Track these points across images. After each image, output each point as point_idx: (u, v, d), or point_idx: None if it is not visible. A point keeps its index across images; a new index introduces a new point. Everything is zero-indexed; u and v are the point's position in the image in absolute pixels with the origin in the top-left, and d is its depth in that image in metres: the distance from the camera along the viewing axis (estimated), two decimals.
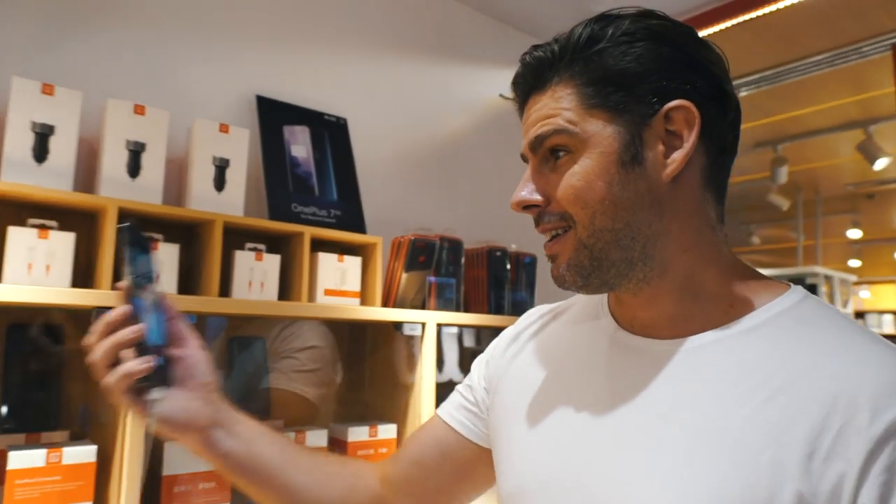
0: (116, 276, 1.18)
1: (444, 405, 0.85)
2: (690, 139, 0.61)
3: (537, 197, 0.65)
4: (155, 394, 0.68)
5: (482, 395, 0.81)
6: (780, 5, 2.07)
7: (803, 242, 5.99)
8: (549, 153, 0.65)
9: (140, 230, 0.72)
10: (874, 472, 0.49)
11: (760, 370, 0.57)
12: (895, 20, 2.29)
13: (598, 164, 0.62)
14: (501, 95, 0.76)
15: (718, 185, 0.66)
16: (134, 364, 0.67)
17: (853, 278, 5.90)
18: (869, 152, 3.62)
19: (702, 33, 2.20)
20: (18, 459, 0.99)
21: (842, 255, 8.32)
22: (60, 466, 1.02)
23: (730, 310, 0.62)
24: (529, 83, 0.67)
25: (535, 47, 0.67)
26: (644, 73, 0.61)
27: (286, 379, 1.49)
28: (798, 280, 5.38)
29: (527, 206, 0.66)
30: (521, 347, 0.79)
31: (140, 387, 0.68)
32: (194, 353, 0.74)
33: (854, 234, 6.51)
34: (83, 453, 1.04)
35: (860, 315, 9.79)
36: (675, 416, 0.58)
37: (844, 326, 0.59)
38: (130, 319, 0.69)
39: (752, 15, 2.12)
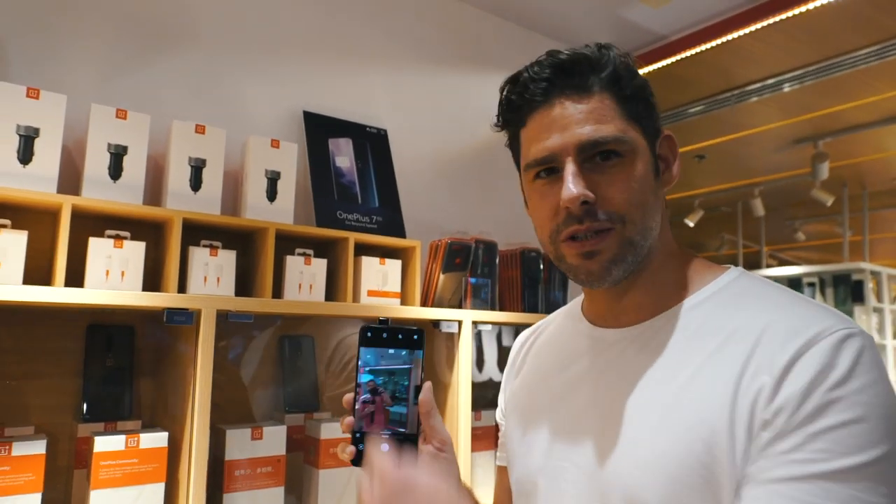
0: (182, 281, 1.31)
1: (496, 455, 0.95)
2: (677, 161, 0.74)
3: (591, 194, 0.67)
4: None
5: (504, 425, 0.91)
6: (811, 6, 2.08)
7: (850, 238, 5.85)
8: (597, 155, 0.68)
9: (389, 327, 0.70)
10: (785, 383, 0.58)
11: (701, 337, 0.67)
12: None
13: (644, 170, 0.70)
14: (494, 126, 0.78)
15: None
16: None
17: None
18: None
19: (734, 35, 2.24)
20: (103, 444, 1.12)
21: (892, 251, 8.06)
22: (138, 450, 1.15)
23: (682, 292, 0.72)
24: (564, 82, 0.69)
25: (559, 51, 0.70)
26: (654, 105, 0.73)
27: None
28: (844, 276, 5.27)
29: (583, 203, 0.67)
30: (518, 370, 0.90)
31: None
32: (442, 455, 0.70)
33: None
34: (157, 439, 1.17)
35: None
36: (644, 388, 0.68)
37: (772, 291, 0.69)
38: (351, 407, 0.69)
39: (784, 16, 2.15)
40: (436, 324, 1.59)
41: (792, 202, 5.87)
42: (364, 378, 0.69)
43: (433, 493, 0.62)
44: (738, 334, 0.64)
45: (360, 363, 0.69)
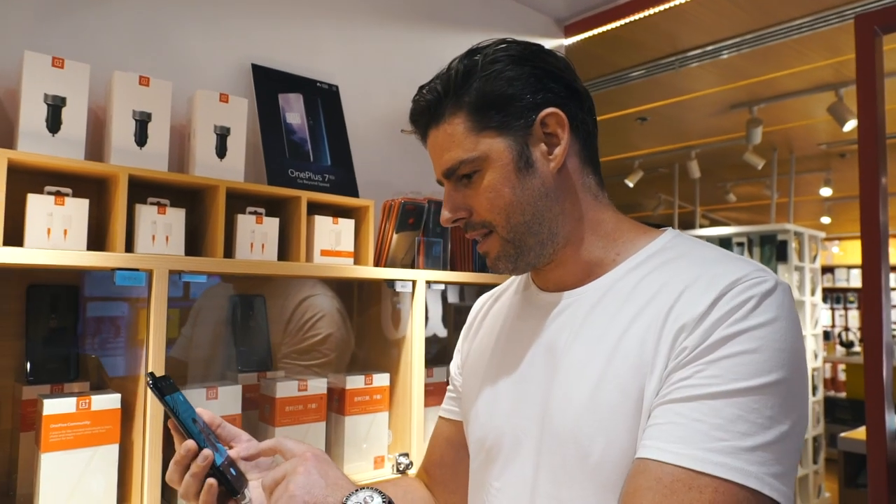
0: (129, 239, 1.27)
1: (442, 406, 1.00)
2: (564, 137, 0.77)
3: (462, 213, 0.79)
4: (242, 497, 0.78)
5: (459, 381, 0.96)
6: None
7: (777, 200, 6.15)
8: (461, 176, 0.78)
9: (162, 378, 0.78)
10: (705, 322, 0.64)
11: (636, 293, 0.73)
12: None
13: (501, 175, 0.76)
14: (403, 131, 0.89)
15: (593, 160, 0.82)
16: (215, 486, 0.75)
17: (822, 235, 6.10)
18: (839, 114, 3.74)
19: (681, 0, 2.27)
20: (52, 406, 1.09)
21: (814, 212, 8.54)
22: (90, 412, 1.13)
23: (617, 257, 0.79)
24: (425, 121, 0.80)
25: (424, 89, 0.80)
26: (515, 94, 0.76)
27: (312, 374, 1.60)
28: (770, 236, 5.56)
29: (455, 221, 0.80)
30: (476, 330, 0.96)
31: (228, 499, 0.77)
32: (249, 445, 0.83)
33: (826, 191, 6.69)
34: (109, 401, 1.15)
35: (829, 269, 10.14)
36: (586, 344, 0.73)
37: (702, 250, 0.75)
38: (196, 451, 0.75)
39: None
40: (390, 283, 1.60)
41: (725, 165, 6.10)
42: (198, 433, 0.76)
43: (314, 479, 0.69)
44: (666, 288, 0.70)
45: (180, 412, 0.77)
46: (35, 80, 1.21)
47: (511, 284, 0.96)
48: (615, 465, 0.67)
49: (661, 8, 2.34)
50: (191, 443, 0.75)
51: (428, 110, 0.80)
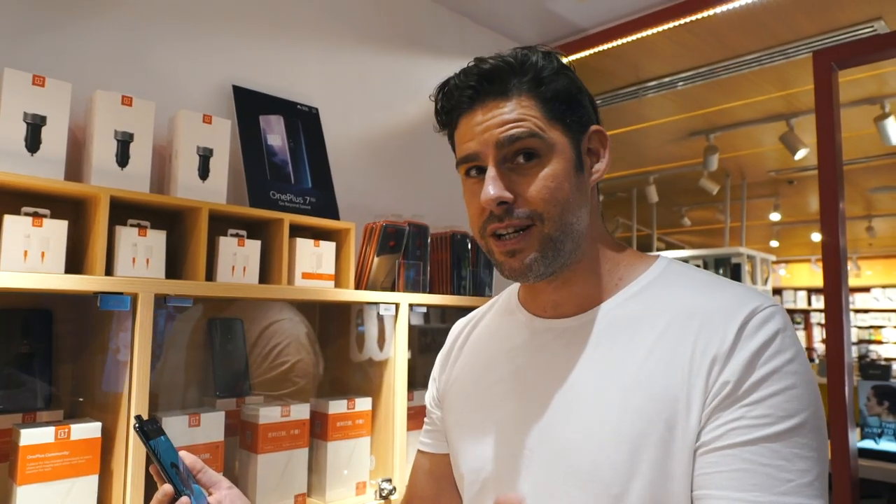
0: (109, 262, 1.23)
1: (419, 440, 0.98)
2: (606, 155, 0.78)
3: (508, 195, 0.73)
4: None
5: (437, 413, 0.94)
6: (719, 10, 2.25)
7: (730, 224, 6.38)
8: (514, 155, 0.73)
9: (150, 421, 0.79)
10: (732, 358, 0.66)
11: (646, 321, 0.73)
12: (816, 26, 2.52)
13: (563, 168, 0.74)
14: (432, 97, 0.85)
15: (598, 186, 0.83)
16: None
17: (772, 258, 6.35)
18: (790, 143, 3.93)
19: (648, 32, 2.36)
20: (29, 436, 1.05)
21: (763, 237, 8.88)
22: (69, 442, 1.08)
23: (619, 282, 0.78)
24: (487, 88, 0.75)
25: (484, 59, 0.76)
26: (581, 100, 0.78)
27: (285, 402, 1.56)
28: (724, 259, 5.76)
29: (500, 203, 0.72)
30: (455, 359, 0.93)
31: None
32: (230, 493, 0.83)
33: (775, 216, 6.98)
34: (89, 430, 1.11)
35: (777, 291, 10.52)
36: (601, 372, 0.73)
37: (700, 278, 0.76)
38: (174, 497, 0.76)
39: (695, 17, 2.30)
40: (373, 306, 1.59)
41: (681, 190, 6.31)
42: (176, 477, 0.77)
43: None
44: (680, 316, 0.70)
45: (162, 457, 0.77)
46: (15, 97, 1.18)
47: (490, 309, 0.93)
48: (638, 497, 0.66)
49: (629, 39, 2.42)
50: (168, 487, 0.75)
51: (495, 77, 0.74)
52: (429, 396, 0.97)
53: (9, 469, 1.08)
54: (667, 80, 3.15)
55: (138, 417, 0.77)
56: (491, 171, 0.73)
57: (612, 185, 6.12)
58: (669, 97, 3.57)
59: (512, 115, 0.73)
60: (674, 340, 0.69)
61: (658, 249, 7.40)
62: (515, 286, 0.91)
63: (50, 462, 1.06)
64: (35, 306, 1.28)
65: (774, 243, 9.05)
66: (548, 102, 0.74)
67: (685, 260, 5.87)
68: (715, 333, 0.67)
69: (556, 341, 0.79)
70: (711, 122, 4.19)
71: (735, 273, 5.66)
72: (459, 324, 0.97)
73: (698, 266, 5.50)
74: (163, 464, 0.76)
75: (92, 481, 1.10)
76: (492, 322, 0.91)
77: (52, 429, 1.07)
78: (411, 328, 2.02)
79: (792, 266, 11.21)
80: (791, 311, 10.65)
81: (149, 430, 0.77)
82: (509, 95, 0.74)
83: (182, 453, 0.81)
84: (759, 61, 2.89)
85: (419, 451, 0.97)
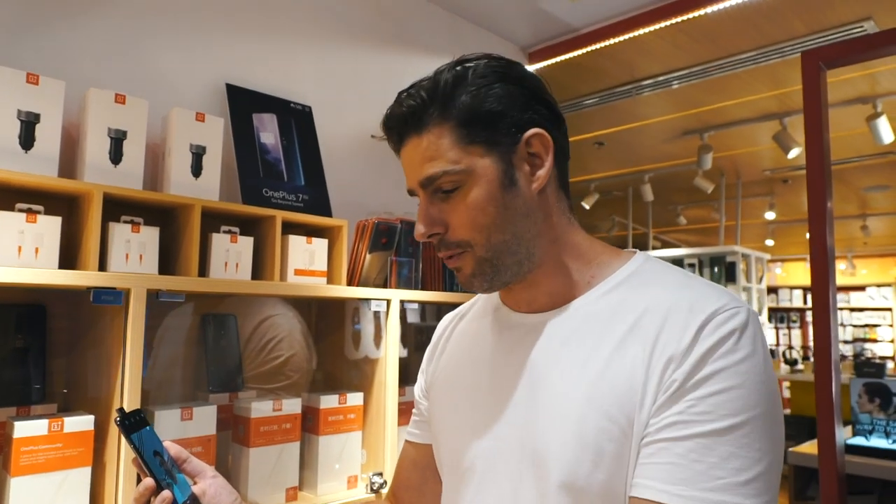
0: (101, 258, 1.25)
1: (407, 430, 1.00)
2: (549, 158, 0.76)
3: (438, 228, 0.76)
4: None
5: (425, 404, 0.96)
6: (710, 9, 2.26)
7: (725, 223, 6.41)
8: (440, 189, 0.75)
9: (133, 414, 0.79)
10: (691, 355, 0.66)
11: (617, 317, 0.73)
12: (807, 26, 2.54)
13: (485, 192, 0.74)
14: (373, 136, 0.87)
15: (565, 184, 0.82)
16: None
17: (767, 256, 6.39)
18: (783, 142, 3.95)
19: (641, 31, 2.38)
20: (23, 429, 1.06)
21: (759, 235, 8.91)
22: (62, 435, 1.10)
23: (592, 279, 0.79)
24: (405, 127, 0.77)
25: (405, 94, 0.77)
26: (504, 111, 0.74)
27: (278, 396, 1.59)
28: (719, 258, 5.79)
29: (430, 236, 0.76)
30: (441, 351, 0.95)
31: None
32: (215, 481, 0.83)
33: (770, 215, 7.00)
34: (82, 423, 1.13)
35: (773, 290, 10.56)
36: (570, 367, 0.74)
37: (674, 275, 0.77)
38: (156, 489, 0.76)
39: (687, 17, 2.31)
40: (365, 303, 1.61)
41: (676, 188, 6.33)
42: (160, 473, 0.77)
43: None
44: (648, 313, 0.71)
45: (145, 450, 0.77)
46: (9, 95, 1.19)
47: (476, 303, 0.95)
48: (600, 489, 0.68)
49: (622, 38, 2.44)
50: (149, 481, 0.76)
51: (409, 117, 0.76)
52: (417, 388, 0.99)
53: (2, 461, 1.10)
54: (661, 78, 3.17)
55: (120, 410, 0.78)
56: (421, 206, 0.77)
57: (608, 183, 6.15)
58: (663, 96, 3.59)
59: (427, 152, 0.75)
60: (640, 337, 0.70)
61: (654, 248, 7.43)
62: None
63: (43, 454, 1.07)
64: (29, 302, 1.29)
65: (770, 242, 9.08)
66: (462, 126, 0.74)
67: (679, 258, 5.91)
68: (675, 332, 0.68)
69: (529, 336, 0.80)
70: (705, 122, 4.22)
71: (730, 272, 5.69)
72: (447, 318, 0.99)
73: (693, 265, 5.49)
74: (143, 456, 0.76)
75: (85, 473, 1.12)
76: (475, 316, 0.93)
77: (45, 421, 1.08)
78: (407, 325, 2.05)
79: (788, 265, 11.25)
80: (787, 310, 10.69)
81: (131, 423, 0.77)
82: (423, 130, 0.75)
83: (167, 443, 0.81)
84: (753, 61, 2.91)
85: (406, 440, 0.99)
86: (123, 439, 1.12)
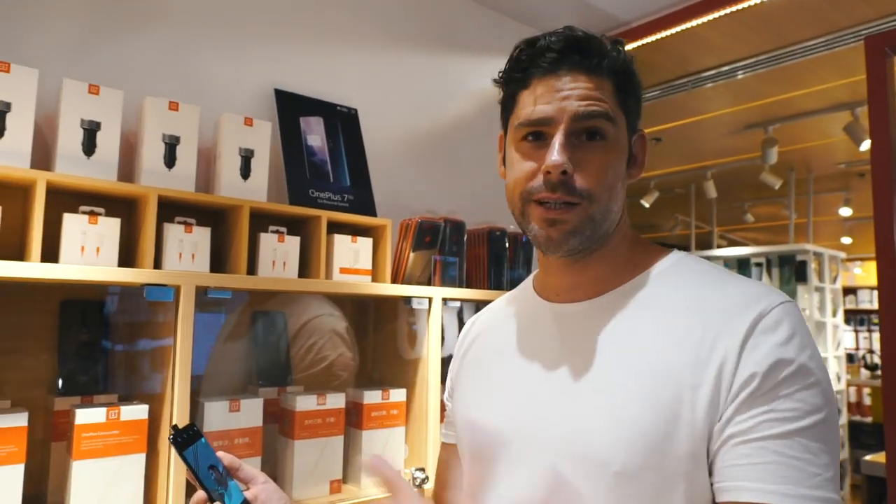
0: (157, 257, 1.32)
1: (442, 431, 1.02)
2: (645, 160, 0.82)
3: (571, 166, 0.73)
4: None
5: (450, 405, 0.97)
6: None
7: (795, 220, 6.12)
8: (582, 131, 0.74)
9: (186, 429, 0.82)
10: (747, 347, 0.66)
11: (655, 310, 0.74)
12: (874, 10, 2.40)
13: (619, 156, 0.77)
14: (495, 81, 0.84)
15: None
16: None
17: (842, 255, 6.05)
18: (855, 133, 3.74)
19: (693, 23, 2.32)
20: (84, 416, 1.14)
21: (835, 233, 8.45)
22: (119, 422, 1.17)
23: (633, 270, 0.80)
24: (574, 58, 0.74)
25: (578, 32, 0.76)
26: (640, 100, 0.80)
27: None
28: (789, 257, 5.53)
29: (563, 172, 0.72)
30: (466, 350, 0.96)
31: None
32: (266, 486, 0.88)
33: (845, 211, 6.64)
34: (137, 411, 1.20)
35: (851, 291, 9.98)
36: (610, 356, 0.74)
37: (711, 271, 0.78)
38: (209, 499, 0.81)
39: (741, 6, 2.24)
40: (406, 300, 1.64)
41: (742, 185, 6.09)
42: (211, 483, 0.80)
43: None
44: (690, 307, 0.72)
45: (199, 463, 0.80)
46: (72, 106, 1.28)
47: (504, 300, 0.96)
48: (632, 476, 0.68)
49: (674, 31, 2.38)
50: (201, 494, 0.81)
51: (583, 51, 0.74)
52: (446, 391, 1.01)
53: (66, 446, 1.18)
54: (726, 68, 3.06)
55: (174, 427, 0.81)
56: (560, 138, 0.73)
57: (669, 180, 5.98)
58: (721, 89, 3.47)
59: (594, 92, 0.73)
60: (683, 329, 0.70)
61: (719, 247, 7.16)
62: (530, 278, 0.93)
63: (102, 440, 1.15)
64: (94, 298, 1.38)
65: (847, 240, 8.60)
66: (622, 93, 0.76)
67: (745, 258, 5.69)
68: (728, 326, 0.68)
69: (566, 325, 0.80)
70: (769, 114, 4.04)
71: (800, 271, 5.42)
72: (472, 319, 1.00)
73: (760, 265, 5.26)
74: (196, 471, 0.80)
75: (140, 459, 1.19)
76: (504, 311, 0.94)
77: (103, 409, 1.16)
78: (463, 324, 2.06)
79: (868, 264, 10.60)
80: (867, 312, 10.08)
81: (183, 438, 0.81)
82: (594, 72, 0.74)
83: (220, 454, 0.85)
84: (817, 48, 2.77)
85: (442, 442, 1.01)
86: (185, 414, 1.19)
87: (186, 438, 0.81)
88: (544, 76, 0.75)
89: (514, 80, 0.79)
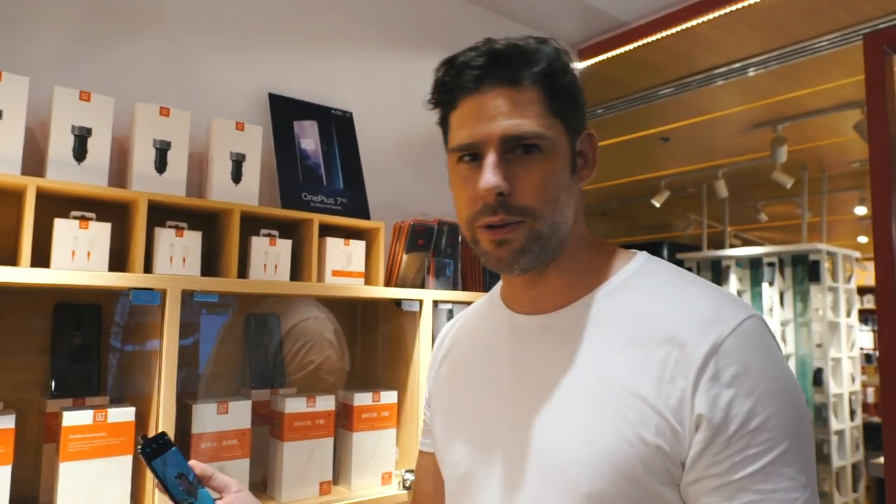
0: (148, 261, 1.34)
1: (420, 440, 1.01)
2: (595, 158, 0.78)
3: (507, 185, 0.70)
4: None
5: (429, 414, 0.97)
6: None
7: (809, 219, 6.04)
8: (517, 146, 0.71)
9: (156, 438, 0.81)
10: (702, 383, 0.65)
11: (616, 322, 0.73)
12: (878, 7, 2.36)
13: (560, 167, 0.73)
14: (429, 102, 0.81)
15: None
16: None
17: (857, 254, 5.95)
18: (864, 132, 3.68)
19: (692, 23, 2.30)
20: (71, 418, 1.16)
21: (851, 232, 8.32)
22: (105, 424, 1.19)
23: (596, 279, 0.77)
24: (496, 71, 0.72)
25: (495, 45, 0.73)
26: (579, 101, 0.77)
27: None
28: (801, 256, 5.45)
29: (498, 193, 0.70)
30: (441, 359, 0.95)
31: None
32: (239, 495, 0.87)
33: (860, 210, 6.53)
34: (124, 413, 1.22)
35: (867, 290, 9.81)
36: (565, 374, 0.73)
37: (676, 278, 0.75)
38: None
39: (741, 5, 2.21)
40: (398, 303, 1.64)
41: (755, 184, 6.02)
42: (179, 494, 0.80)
43: None
44: (652, 321, 0.70)
45: (167, 473, 0.80)
46: (64, 112, 1.30)
47: (475, 307, 0.95)
48: (608, 496, 0.67)
49: (674, 30, 2.36)
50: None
51: (505, 63, 0.72)
52: (424, 401, 1.00)
53: (55, 447, 1.20)
54: (729, 67, 3.04)
55: (143, 437, 0.81)
56: (492, 158, 0.71)
57: (680, 180, 5.92)
58: (728, 87, 3.43)
59: (520, 106, 0.71)
60: (646, 345, 0.69)
61: (732, 246, 7.08)
62: (499, 284, 0.92)
63: (89, 441, 1.17)
64: (87, 302, 1.41)
65: (863, 239, 8.47)
66: (554, 98, 0.73)
67: (757, 258, 5.62)
68: (689, 346, 0.66)
69: (531, 337, 0.79)
70: (778, 112, 3.99)
71: (813, 271, 5.35)
72: (448, 325, 0.99)
73: (772, 265, 5.19)
74: (165, 483, 0.79)
75: (126, 461, 1.21)
76: (475, 320, 0.92)
77: (90, 412, 1.18)
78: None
79: None
80: None
81: (152, 448, 0.80)
82: (518, 83, 0.71)
83: (192, 462, 0.85)
84: (821, 47, 2.73)
85: (422, 451, 1.00)
86: (171, 427, 1.20)
87: (156, 448, 0.81)
88: (470, 95, 0.73)
89: (441, 103, 0.78)
